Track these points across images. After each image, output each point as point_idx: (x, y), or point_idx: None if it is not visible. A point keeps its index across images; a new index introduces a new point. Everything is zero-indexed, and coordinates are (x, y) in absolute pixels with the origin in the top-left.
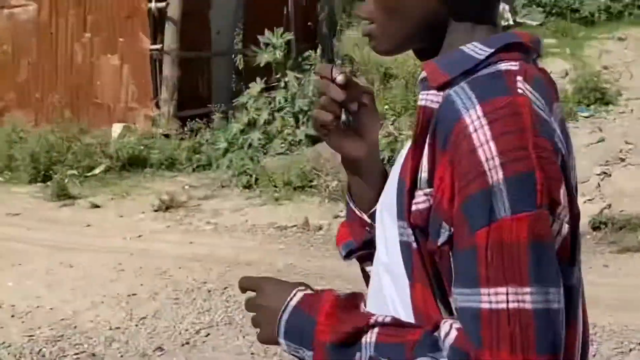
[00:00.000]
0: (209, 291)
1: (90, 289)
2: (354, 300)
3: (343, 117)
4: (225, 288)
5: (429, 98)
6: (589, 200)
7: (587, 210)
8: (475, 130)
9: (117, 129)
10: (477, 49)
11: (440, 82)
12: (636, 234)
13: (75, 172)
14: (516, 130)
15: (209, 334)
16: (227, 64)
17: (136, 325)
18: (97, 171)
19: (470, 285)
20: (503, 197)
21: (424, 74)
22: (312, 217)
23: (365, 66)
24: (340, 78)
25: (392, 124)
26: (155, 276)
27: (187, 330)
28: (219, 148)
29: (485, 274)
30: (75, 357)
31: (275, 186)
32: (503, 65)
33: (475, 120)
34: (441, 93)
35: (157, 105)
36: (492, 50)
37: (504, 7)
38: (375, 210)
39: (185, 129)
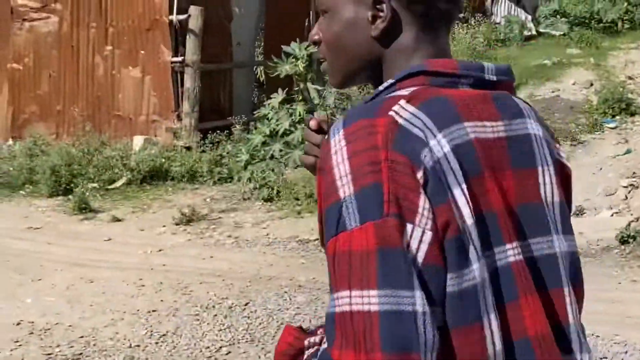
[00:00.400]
0: (230, 307)
1: (110, 305)
2: (303, 331)
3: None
4: (246, 304)
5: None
6: (616, 213)
7: (615, 224)
8: (336, 152)
9: (138, 141)
10: (387, 82)
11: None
12: None
13: (96, 185)
14: (369, 147)
15: (229, 352)
16: (247, 76)
17: (156, 343)
18: (118, 184)
19: (330, 291)
20: (353, 209)
21: None
22: None
23: None
24: (312, 123)
25: None
26: (176, 292)
27: (207, 347)
28: (240, 160)
29: (334, 280)
30: None
31: (296, 199)
32: (397, 92)
33: (337, 143)
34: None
35: (179, 118)
36: (394, 81)
37: (526, 17)
38: None
39: (206, 141)
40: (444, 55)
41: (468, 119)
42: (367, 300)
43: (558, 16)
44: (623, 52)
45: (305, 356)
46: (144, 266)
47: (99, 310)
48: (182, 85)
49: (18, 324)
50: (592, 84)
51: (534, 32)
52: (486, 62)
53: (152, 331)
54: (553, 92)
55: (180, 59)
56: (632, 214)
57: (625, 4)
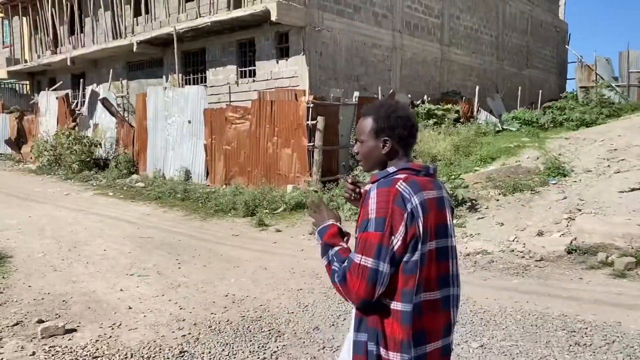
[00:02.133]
0: None
1: (276, 285)
2: (342, 233)
3: (354, 194)
4: None
5: (367, 187)
6: (562, 235)
7: (563, 241)
8: (372, 198)
9: (289, 188)
10: (391, 169)
11: (373, 180)
12: (596, 257)
13: (267, 211)
14: (385, 201)
15: (345, 318)
16: (346, 152)
17: (303, 311)
18: (279, 210)
19: (355, 250)
20: (372, 224)
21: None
22: None
23: (420, 154)
24: (350, 180)
25: None
26: (312, 277)
27: (332, 315)
28: (342, 197)
29: (358, 248)
30: (267, 332)
31: None
32: (397, 175)
33: (373, 195)
34: (371, 184)
35: (310, 175)
36: (396, 169)
37: (496, 120)
38: None
39: (325, 187)
40: (412, 160)
41: (424, 190)
42: (365, 260)
43: (514, 120)
44: (553, 140)
45: (337, 248)
46: (294, 260)
47: (270, 288)
48: (312, 157)
49: (226, 295)
50: (538, 158)
51: (500, 128)
52: (430, 165)
53: (299, 303)
54: (516, 162)
55: (312, 144)
56: (571, 235)
57: (551, 114)
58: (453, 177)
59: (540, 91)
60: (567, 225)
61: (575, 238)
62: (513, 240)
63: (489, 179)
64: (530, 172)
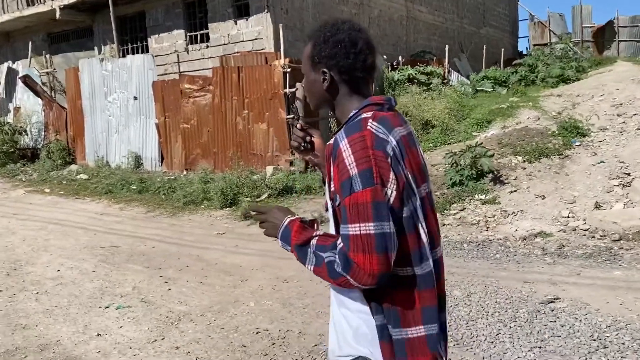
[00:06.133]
0: None
1: (317, 307)
2: (310, 224)
3: (304, 143)
4: None
5: (331, 140)
6: (625, 205)
7: (635, 213)
8: (344, 150)
9: (269, 170)
10: (349, 112)
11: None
12: None
13: (248, 199)
14: (362, 148)
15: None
16: (325, 125)
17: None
18: (263, 197)
19: (344, 223)
20: (357, 181)
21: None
22: None
23: (411, 117)
24: (298, 125)
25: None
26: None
27: None
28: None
29: (349, 217)
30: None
31: None
32: (362, 115)
33: (344, 145)
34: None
35: (292, 153)
36: (357, 110)
37: (466, 80)
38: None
39: (309, 166)
40: (370, 96)
41: (395, 126)
42: (366, 228)
43: (485, 80)
44: (546, 99)
45: (314, 241)
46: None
47: (313, 313)
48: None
49: (256, 332)
50: (539, 118)
51: (471, 90)
52: (391, 96)
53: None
54: (517, 124)
55: (291, 116)
56: (634, 206)
57: (522, 73)
58: (472, 145)
59: (503, 49)
60: (625, 194)
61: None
62: (568, 216)
63: (501, 144)
64: (543, 134)
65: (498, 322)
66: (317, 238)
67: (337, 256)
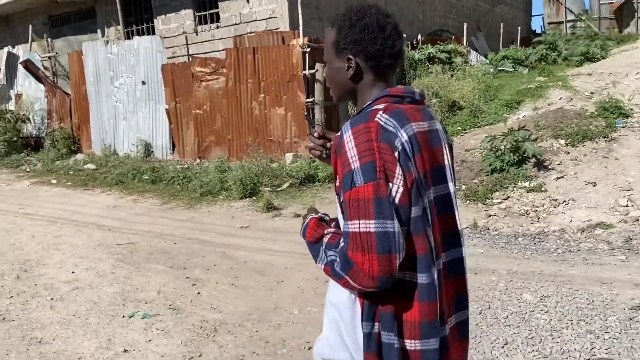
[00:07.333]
0: None
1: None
2: (323, 221)
3: (325, 151)
4: None
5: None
6: None
7: None
8: (347, 142)
9: (288, 158)
10: (366, 102)
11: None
12: None
13: (269, 188)
14: (366, 140)
15: None
16: (345, 107)
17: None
18: (284, 187)
19: (346, 220)
20: (359, 175)
21: None
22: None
23: (440, 99)
24: (316, 133)
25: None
26: None
27: None
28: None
29: (349, 214)
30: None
31: None
32: (374, 107)
33: (347, 137)
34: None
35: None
36: (371, 101)
37: (485, 60)
38: None
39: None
40: (392, 86)
41: (411, 120)
42: (367, 225)
43: (505, 60)
44: (576, 78)
45: (326, 238)
46: None
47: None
48: (313, 116)
49: (308, 346)
50: (571, 99)
51: (493, 70)
52: (415, 89)
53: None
54: (549, 105)
55: (311, 99)
56: None
57: (542, 52)
58: (514, 128)
59: (520, 28)
60: None
61: None
62: (627, 205)
63: (538, 126)
64: (582, 116)
65: (588, 332)
66: (329, 235)
67: (337, 255)
